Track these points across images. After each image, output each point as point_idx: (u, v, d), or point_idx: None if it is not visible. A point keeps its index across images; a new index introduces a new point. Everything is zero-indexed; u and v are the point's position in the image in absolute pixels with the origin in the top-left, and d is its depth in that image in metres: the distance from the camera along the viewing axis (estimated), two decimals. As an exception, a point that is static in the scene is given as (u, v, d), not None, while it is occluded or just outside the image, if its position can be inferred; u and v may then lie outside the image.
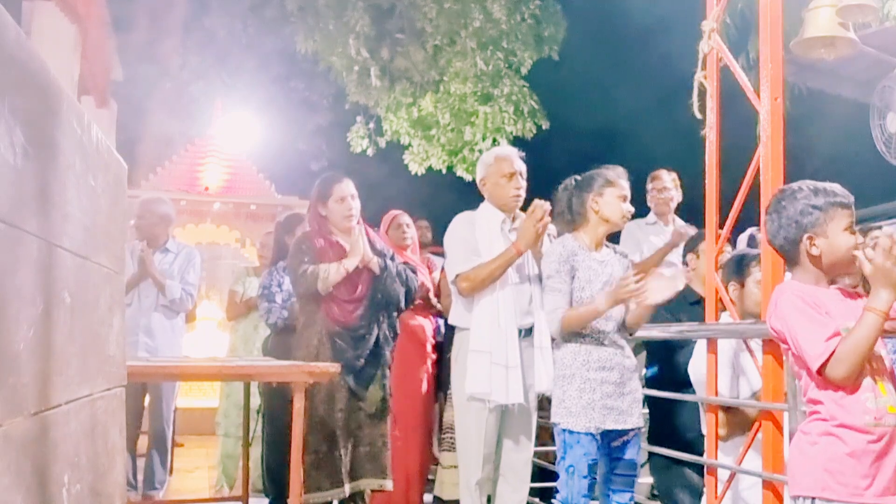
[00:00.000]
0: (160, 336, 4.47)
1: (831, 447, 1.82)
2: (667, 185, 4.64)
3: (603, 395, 2.71)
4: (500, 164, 3.19)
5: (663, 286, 2.70)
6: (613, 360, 2.75)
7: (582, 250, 2.82)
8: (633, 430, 2.78)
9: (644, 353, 3.69)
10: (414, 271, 3.55)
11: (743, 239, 3.96)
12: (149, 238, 4.49)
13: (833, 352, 1.78)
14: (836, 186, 1.94)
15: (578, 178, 2.95)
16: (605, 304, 2.66)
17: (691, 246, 3.57)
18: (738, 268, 2.91)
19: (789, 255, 1.99)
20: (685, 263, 3.59)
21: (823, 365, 1.79)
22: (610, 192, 2.85)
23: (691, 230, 4.11)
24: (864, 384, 1.82)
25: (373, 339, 3.32)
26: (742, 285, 2.88)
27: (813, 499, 1.82)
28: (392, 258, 3.46)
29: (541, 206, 3.00)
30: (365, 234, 3.37)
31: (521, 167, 3.21)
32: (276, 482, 4.06)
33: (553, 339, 2.93)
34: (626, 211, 2.88)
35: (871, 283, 1.80)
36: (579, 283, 2.78)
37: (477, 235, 3.14)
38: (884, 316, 1.76)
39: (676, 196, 4.67)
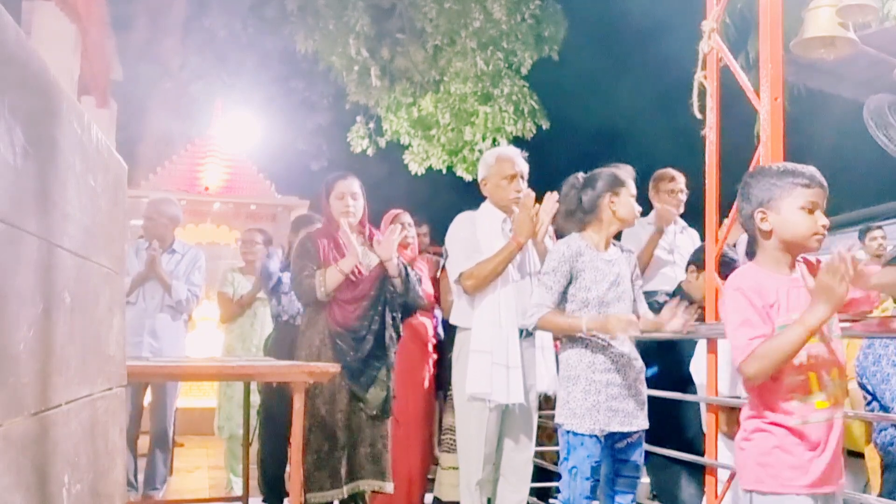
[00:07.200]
0: (165, 337, 4.46)
1: (763, 441, 1.85)
2: (682, 188, 4.49)
3: (608, 396, 2.69)
4: (501, 166, 3.20)
5: (677, 319, 2.63)
6: (620, 362, 2.73)
7: (589, 250, 2.78)
8: (637, 431, 2.76)
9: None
10: (419, 278, 3.55)
11: (743, 240, 3.93)
12: (157, 239, 4.50)
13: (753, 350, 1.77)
14: (808, 169, 1.90)
15: (585, 175, 2.91)
16: (587, 329, 2.65)
17: (694, 259, 3.55)
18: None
19: (750, 234, 1.99)
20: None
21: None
22: (624, 191, 2.82)
23: (673, 212, 4.19)
24: (793, 384, 1.81)
25: (374, 341, 3.31)
26: None
27: (751, 492, 1.86)
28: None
29: (529, 194, 3.04)
30: (365, 235, 3.36)
31: (523, 168, 3.21)
32: (268, 481, 4.07)
33: (558, 340, 2.92)
34: (638, 211, 2.87)
35: (811, 296, 1.76)
36: (585, 283, 2.74)
37: (478, 235, 3.14)
38: (811, 332, 1.73)
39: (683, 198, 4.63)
